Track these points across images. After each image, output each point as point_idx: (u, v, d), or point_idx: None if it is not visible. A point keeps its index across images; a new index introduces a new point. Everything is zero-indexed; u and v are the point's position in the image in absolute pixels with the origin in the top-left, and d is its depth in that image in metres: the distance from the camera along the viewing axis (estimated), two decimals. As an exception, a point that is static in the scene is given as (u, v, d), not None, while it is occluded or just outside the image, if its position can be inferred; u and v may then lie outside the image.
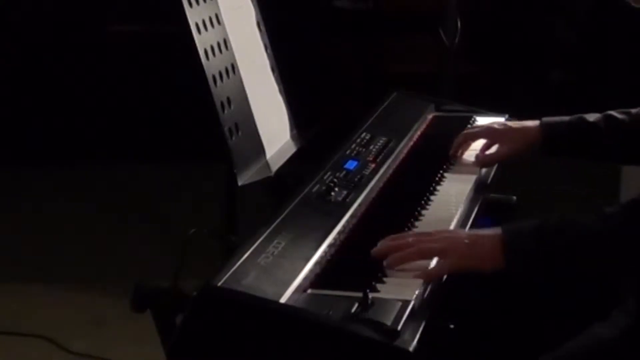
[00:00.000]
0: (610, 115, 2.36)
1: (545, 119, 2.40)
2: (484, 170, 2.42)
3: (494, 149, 2.44)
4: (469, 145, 2.47)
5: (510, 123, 2.49)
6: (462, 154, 2.46)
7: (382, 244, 1.89)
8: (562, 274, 1.96)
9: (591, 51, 5.86)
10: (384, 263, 1.84)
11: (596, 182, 3.69)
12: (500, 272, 1.86)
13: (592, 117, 2.37)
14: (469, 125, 2.65)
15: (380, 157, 2.36)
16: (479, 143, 2.47)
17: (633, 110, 2.36)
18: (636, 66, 5.25)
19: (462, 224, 2.12)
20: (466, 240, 1.90)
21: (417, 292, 1.76)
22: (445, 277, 1.87)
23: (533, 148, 2.40)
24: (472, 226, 2.15)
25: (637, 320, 1.93)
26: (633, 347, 1.91)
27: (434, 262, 1.86)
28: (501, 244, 1.86)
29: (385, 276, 1.81)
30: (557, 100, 5.65)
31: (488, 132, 2.46)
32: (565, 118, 2.39)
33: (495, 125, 2.46)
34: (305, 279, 1.78)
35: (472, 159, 2.43)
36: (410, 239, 1.90)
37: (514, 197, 2.54)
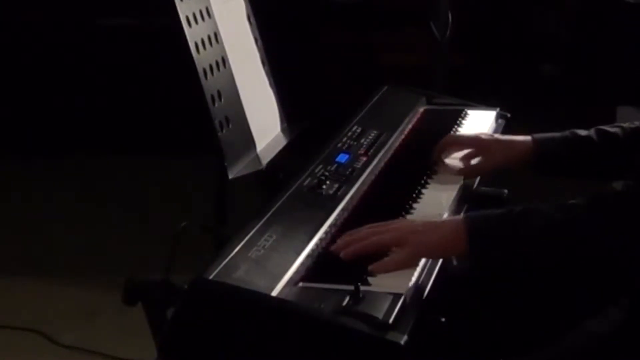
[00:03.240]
0: (603, 130, 2.29)
1: (537, 136, 2.32)
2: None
3: (477, 160, 2.36)
4: (451, 150, 2.39)
5: (498, 136, 2.41)
6: (444, 157, 2.37)
7: (340, 240, 1.89)
8: (524, 263, 1.94)
9: (582, 45, 5.87)
10: (341, 255, 1.84)
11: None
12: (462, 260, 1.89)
13: (583, 132, 2.30)
14: (460, 119, 2.65)
15: (372, 150, 2.36)
16: (463, 152, 2.39)
17: (625, 125, 2.30)
18: (628, 60, 5.25)
19: (454, 215, 2.12)
20: (420, 228, 1.88)
21: (408, 286, 1.76)
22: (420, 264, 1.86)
23: (520, 164, 2.33)
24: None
25: (630, 315, 1.93)
26: (626, 342, 1.91)
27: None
28: (464, 229, 1.84)
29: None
30: (549, 94, 5.66)
31: (474, 142, 2.38)
32: (557, 134, 2.31)
33: (483, 136, 2.39)
34: (296, 272, 1.78)
35: (456, 163, 2.35)
36: (364, 232, 1.90)
37: (505, 191, 2.53)
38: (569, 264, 1.93)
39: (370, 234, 1.88)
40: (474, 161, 2.36)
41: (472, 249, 1.84)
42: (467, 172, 2.33)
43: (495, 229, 1.84)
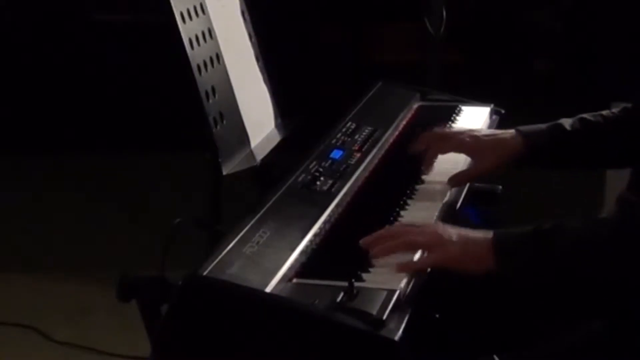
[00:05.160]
0: (586, 119, 2.27)
1: (523, 129, 2.27)
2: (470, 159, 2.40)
3: (468, 164, 2.31)
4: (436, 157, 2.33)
5: (482, 135, 2.31)
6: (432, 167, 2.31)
7: (370, 236, 1.87)
8: (555, 279, 1.87)
9: (576, 40, 5.87)
10: (370, 253, 1.84)
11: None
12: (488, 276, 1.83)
13: (567, 123, 2.27)
14: (454, 115, 2.65)
15: (366, 146, 2.36)
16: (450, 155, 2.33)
17: (604, 112, 2.28)
18: (622, 55, 5.26)
19: (448, 212, 2.13)
20: (454, 238, 1.85)
21: (402, 282, 1.76)
22: (428, 270, 1.86)
23: (511, 162, 2.27)
24: (457, 215, 2.15)
25: (626, 315, 1.93)
26: (622, 338, 1.91)
27: (417, 255, 1.85)
28: (492, 247, 1.82)
29: (371, 266, 1.82)
30: (543, 90, 5.67)
31: (460, 147, 2.30)
32: (543, 127, 2.28)
33: (467, 139, 2.30)
34: (290, 268, 1.78)
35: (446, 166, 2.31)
36: (398, 230, 1.91)
37: (499, 187, 2.53)
38: (596, 283, 1.87)
39: (404, 233, 1.88)
40: (465, 166, 2.31)
41: (500, 269, 1.82)
42: (457, 181, 2.26)
43: (522, 251, 1.82)
